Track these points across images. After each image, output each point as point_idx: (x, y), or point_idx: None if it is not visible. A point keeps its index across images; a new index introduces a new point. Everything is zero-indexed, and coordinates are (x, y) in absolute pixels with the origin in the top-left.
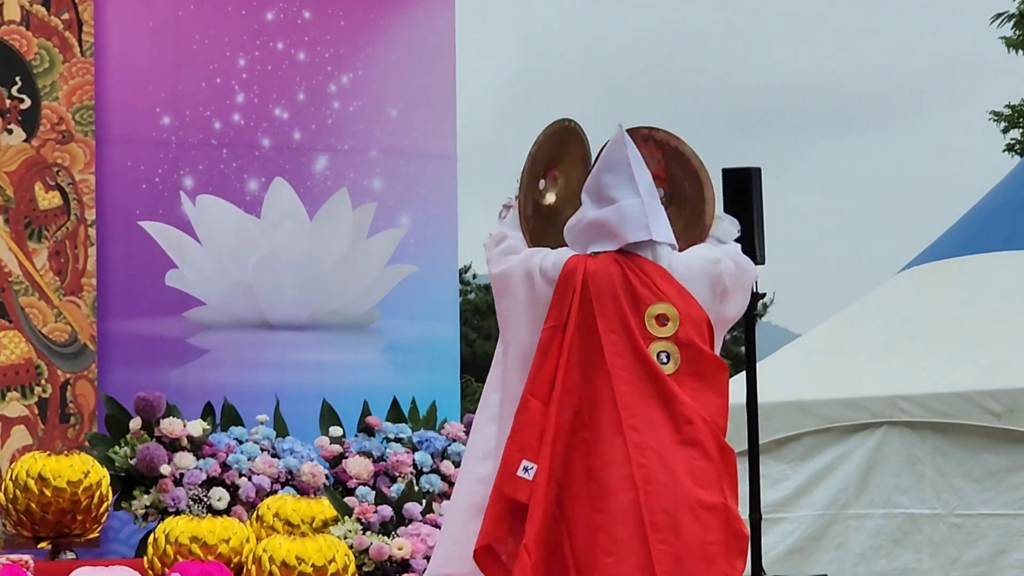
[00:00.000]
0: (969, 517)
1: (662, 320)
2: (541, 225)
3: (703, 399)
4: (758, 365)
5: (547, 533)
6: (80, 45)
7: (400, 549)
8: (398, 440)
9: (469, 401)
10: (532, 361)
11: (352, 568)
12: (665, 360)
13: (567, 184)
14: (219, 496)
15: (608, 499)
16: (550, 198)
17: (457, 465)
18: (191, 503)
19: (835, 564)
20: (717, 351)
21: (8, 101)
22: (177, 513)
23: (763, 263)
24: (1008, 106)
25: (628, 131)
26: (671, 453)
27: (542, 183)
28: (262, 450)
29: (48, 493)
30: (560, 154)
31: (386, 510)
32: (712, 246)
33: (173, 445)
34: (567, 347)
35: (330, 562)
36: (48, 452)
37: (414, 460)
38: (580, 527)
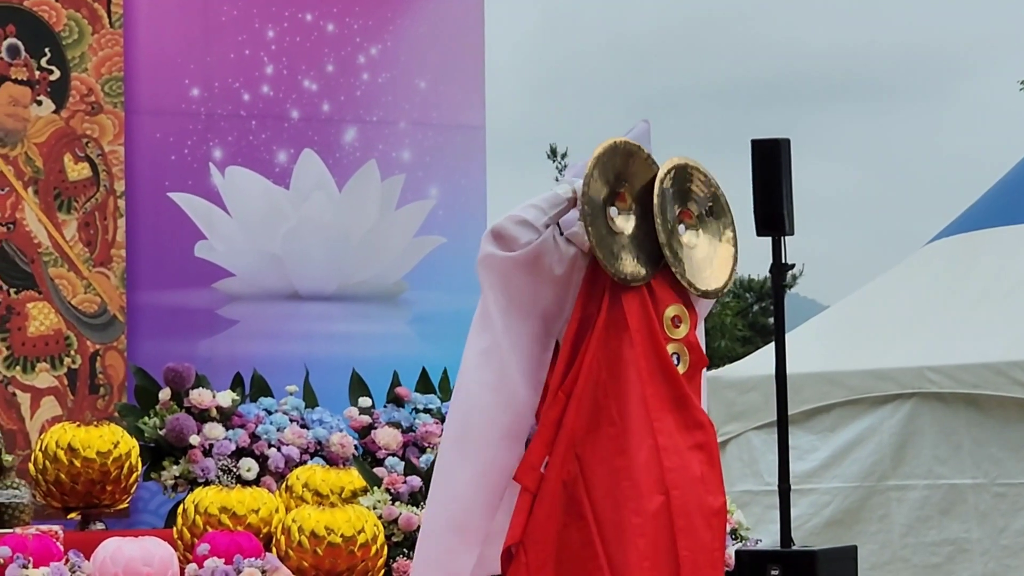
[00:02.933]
0: (1012, 486)
1: (676, 322)
2: (617, 251)
3: (699, 398)
4: (787, 336)
5: (559, 530)
6: (109, 16)
7: None
8: (427, 411)
9: None
10: (560, 352)
11: (381, 538)
12: (676, 362)
13: (642, 212)
14: (248, 467)
15: (643, 501)
16: (624, 225)
17: None
18: (220, 473)
19: (881, 535)
20: None
21: (37, 72)
22: (206, 483)
23: (791, 234)
24: None
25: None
26: (688, 458)
27: (613, 210)
28: (291, 421)
29: (78, 464)
30: (628, 173)
31: (415, 480)
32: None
33: (202, 416)
34: (596, 341)
35: (359, 532)
36: (78, 423)
37: (442, 431)
38: (615, 529)
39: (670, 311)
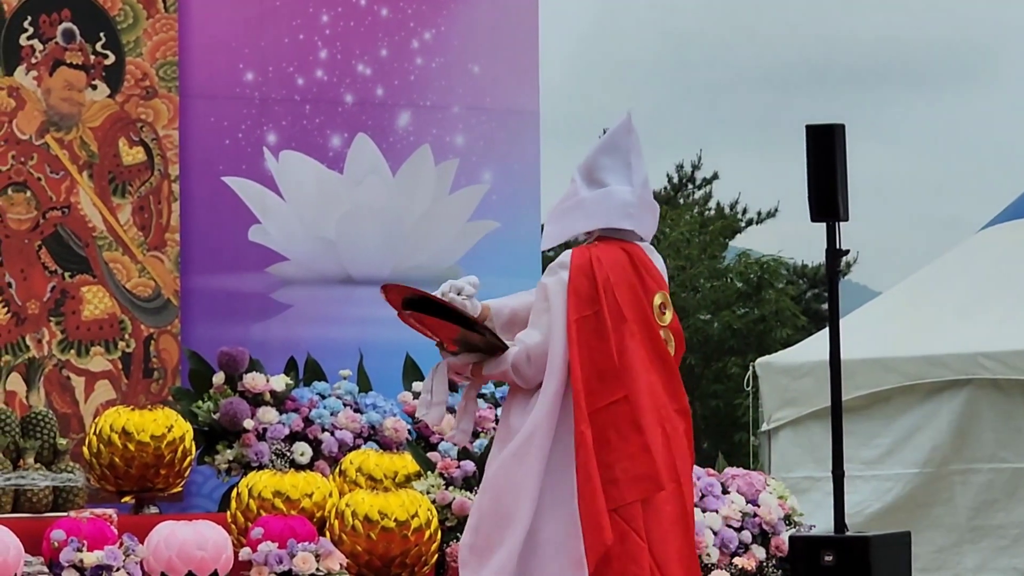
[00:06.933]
0: None
1: (662, 309)
2: None
3: (680, 384)
4: (840, 322)
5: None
6: (164, 1)
7: None
8: (481, 395)
9: None
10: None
11: (435, 523)
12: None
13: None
14: (302, 451)
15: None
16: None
17: None
18: (274, 458)
19: (948, 519)
20: None
21: (92, 57)
22: (260, 468)
23: (846, 219)
24: None
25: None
26: (685, 448)
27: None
28: (345, 405)
29: (132, 447)
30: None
31: (469, 465)
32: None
33: (256, 400)
34: (611, 335)
35: (413, 517)
36: (132, 407)
37: (496, 415)
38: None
39: (656, 298)
